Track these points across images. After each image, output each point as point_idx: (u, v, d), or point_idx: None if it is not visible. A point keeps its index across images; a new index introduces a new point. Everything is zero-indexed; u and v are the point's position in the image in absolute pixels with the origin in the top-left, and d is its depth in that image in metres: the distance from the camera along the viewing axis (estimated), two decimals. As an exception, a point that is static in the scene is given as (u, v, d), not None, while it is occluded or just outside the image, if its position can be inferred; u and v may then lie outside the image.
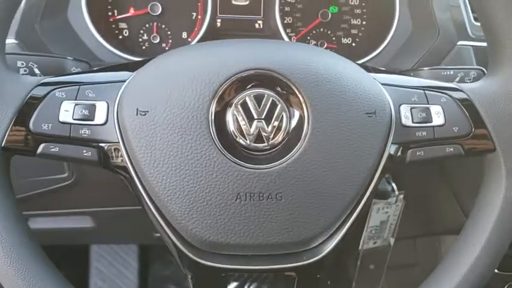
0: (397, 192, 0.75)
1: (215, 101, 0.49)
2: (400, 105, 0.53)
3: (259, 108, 0.50)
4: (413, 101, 0.54)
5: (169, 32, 0.93)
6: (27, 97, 0.49)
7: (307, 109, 0.50)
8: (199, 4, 0.92)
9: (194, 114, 0.48)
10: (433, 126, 0.53)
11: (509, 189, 0.53)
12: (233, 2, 0.93)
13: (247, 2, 0.93)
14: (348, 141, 0.50)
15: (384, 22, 0.89)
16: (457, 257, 0.55)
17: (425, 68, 0.67)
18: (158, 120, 0.49)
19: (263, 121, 0.49)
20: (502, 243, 0.54)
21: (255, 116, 0.49)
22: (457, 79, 0.65)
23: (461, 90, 0.54)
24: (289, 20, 0.93)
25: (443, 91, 0.54)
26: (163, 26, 0.92)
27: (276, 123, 0.50)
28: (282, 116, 0.50)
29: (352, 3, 0.94)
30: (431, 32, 0.80)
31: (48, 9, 0.76)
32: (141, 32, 0.92)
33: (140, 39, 0.92)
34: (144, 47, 0.93)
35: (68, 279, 0.53)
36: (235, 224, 0.49)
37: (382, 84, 0.54)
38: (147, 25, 0.92)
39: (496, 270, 0.85)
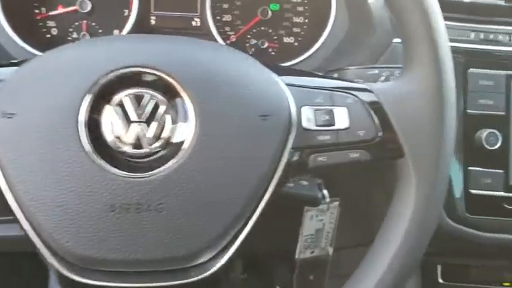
0: (328, 199, 0.71)
1: (88, 100, 0.44)
2: (302, 106, 0.49)
3: (139, 109, 0.45)
4: (318, 103, 0.50)
5: (100, 31, 0.88)
6: None
7: (193, 111, 0.45)
8: (130, 0, 0.87)
9: (63, 114, 0.43)
10: (337, 130, 0.49)
11: (419, 199, 0.49)
12: (168, -2, 0.88)
13: (183, -3, 0.88)
14: (238, 146, 0.46)
15: (323, 20, 0.84)
16: (366, 271, 0.50)
17: (352, 67, 0.63)
18: (25, 123, 0.44)
19: (143, 124, 0.45)
20: (412, 255, 0.49)
21: (134, 119, 0.45)
22: (383, 78, 0.61)
23: (370, 91, 0.50)
24: (228, 17, 0.89)
25: (350, 92, 0.50)
26: (93, 24, 0.88)
27: (157, 127, 0.45)
28: (165, 118, 0.45)
29: (294, 1, 0.90)
30: (367, 30, 0.76)
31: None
32: (70, 30, 0.87)
33: (70, 38, 0.87)
34: (74, 46, 0.88)
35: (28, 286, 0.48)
36: (111, 238, 0.44)
37: (287, 84, 0.50)
38: (76, 23, 0.87)
39: (440, 281, 0.81)
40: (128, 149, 0.45)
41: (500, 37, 0.74)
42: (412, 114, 0.49)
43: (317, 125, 0.49)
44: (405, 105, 0.49)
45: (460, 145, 0.71)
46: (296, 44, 0.91)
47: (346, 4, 0.81)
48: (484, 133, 0.70)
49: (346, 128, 0.49)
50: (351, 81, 0.53)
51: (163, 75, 0.45)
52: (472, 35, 0.74)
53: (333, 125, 0.49)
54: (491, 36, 0.74)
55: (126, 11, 0.88)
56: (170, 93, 0.46)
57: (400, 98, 0.49)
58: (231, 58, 0.49)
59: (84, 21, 0.87)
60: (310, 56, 0.82)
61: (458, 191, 0.71)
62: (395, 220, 0.50)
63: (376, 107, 0.49)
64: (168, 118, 0.45)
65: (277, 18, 0.90)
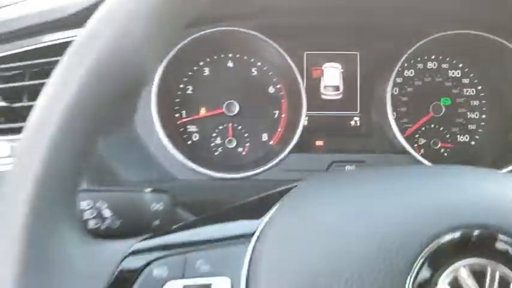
0: None
1: (411, 278, 0.30)
2: None
3: None
4: None
5: (246, 135, 0.76)
6: (114, 275, 0.31)
7: None
8: (282, 101, 0.76)
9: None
10: None
11: None
12: (323, 97, 0.77)
13: (339, 96, 0.77)
14: None
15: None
16: None
17: None
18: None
19: None
20: None
21: None
22: None
23: None
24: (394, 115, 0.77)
25: None
26: (239, 128, 0.76)
27: None
28: None
29: (468, 94, 0.77)
30: None
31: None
32: (214, 135, 0.76)
33: (213, 144, 0.76)
34: (216, 153, 0.76)
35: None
36: None
37: None
38: (220, 127, 0.76)
39: None
40: None
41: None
42: None
43: None
44: None
45: None
46: (473, 143, 0.77)
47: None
48: None
49: None
50: None
51: None
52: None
53: None
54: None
55: (277, 113, 0.77)
56: None
57: None
58: None
59: (230, 125, 0.76)
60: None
61: None
62: None
63: None
64: None
65: (448, 114, 0.77)
